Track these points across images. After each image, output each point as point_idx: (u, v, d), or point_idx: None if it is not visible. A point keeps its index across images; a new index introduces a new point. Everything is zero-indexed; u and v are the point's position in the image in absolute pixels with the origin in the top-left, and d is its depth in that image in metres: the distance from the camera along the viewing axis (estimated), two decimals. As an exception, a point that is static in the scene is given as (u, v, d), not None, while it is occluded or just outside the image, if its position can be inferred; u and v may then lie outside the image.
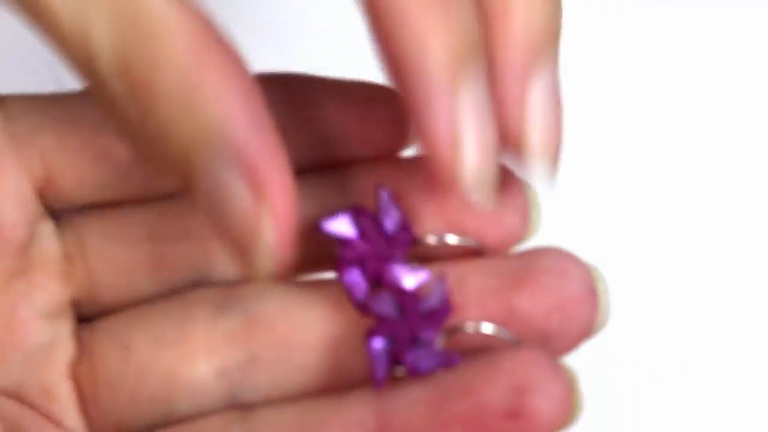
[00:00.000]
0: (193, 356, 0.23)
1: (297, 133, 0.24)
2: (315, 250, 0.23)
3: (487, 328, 0.22)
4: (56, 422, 0.24)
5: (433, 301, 0.22)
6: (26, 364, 0.24)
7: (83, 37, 0.19)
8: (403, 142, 0.24)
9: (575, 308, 0.22)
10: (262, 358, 0.23)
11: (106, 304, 0.24)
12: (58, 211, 0.25)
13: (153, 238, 0.24)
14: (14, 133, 0.24)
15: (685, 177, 0.38)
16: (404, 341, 0.22)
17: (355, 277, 0.23)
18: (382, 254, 0.23)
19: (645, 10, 0.39)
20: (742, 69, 0.39)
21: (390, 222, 0.23)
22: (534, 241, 0.24)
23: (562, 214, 0.32)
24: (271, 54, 0.28)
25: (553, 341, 0.22)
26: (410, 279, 0.23)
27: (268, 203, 0.19)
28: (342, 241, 0.23)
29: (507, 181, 0.23)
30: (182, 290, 0.24)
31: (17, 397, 0.24)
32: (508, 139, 0.21)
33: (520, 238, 0.23)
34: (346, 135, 0.24)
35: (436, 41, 0.20)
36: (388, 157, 0.24)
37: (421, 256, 0.23)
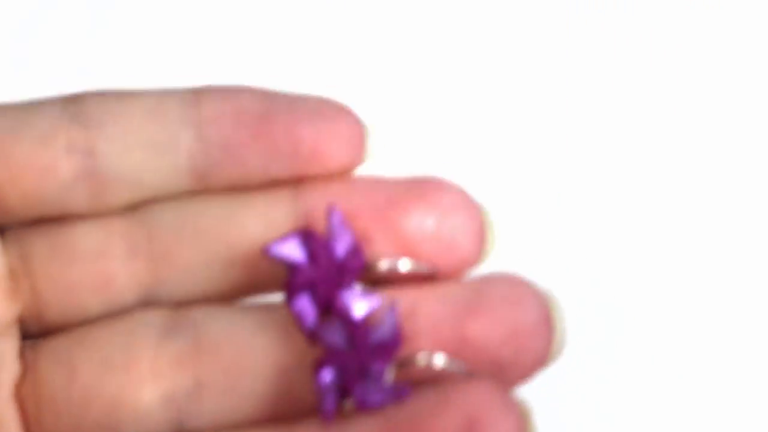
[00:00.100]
0: (140, 381, 0.23)
1: (247, 149, 0.23)
2: (264, 271, 0.23)
3: (440, 360, 0.22)
4: (-1, 445, 0.23)
5: (383, 332, 0.22)
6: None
7: None
8: (357, 161, 0.23)
9: (529, 337, 0.22)
10: (208, 384, 0.23)
11: (51, 322, 0.24)
12: (2, 226, 0.24)
13: (100, 255, 0.24)
14: None
15: (685, 177, 0.38)
16: (353, 373, 0.22)
17: (305, 305, 0.22)
18: (332, 280, 0.22)
19: (645, 10, 0.39)
20: (742, 69, 0.39)
21: (341, 246, 0.22)
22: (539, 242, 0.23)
23: (562, 214, 0.32)
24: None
25: (507, 371, 0.22)
26: (361, 307, 0.22)
27: None
28: (291, 266, 0.22)
29: (460, 203, 0.23)
30: (130, 310, 0.24)
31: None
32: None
33: (474, 261, 0.23)
34: (297, 152, 0.23)
35: None
36: (340, 176, 0.24)
37: (374, 279, 0.23)
